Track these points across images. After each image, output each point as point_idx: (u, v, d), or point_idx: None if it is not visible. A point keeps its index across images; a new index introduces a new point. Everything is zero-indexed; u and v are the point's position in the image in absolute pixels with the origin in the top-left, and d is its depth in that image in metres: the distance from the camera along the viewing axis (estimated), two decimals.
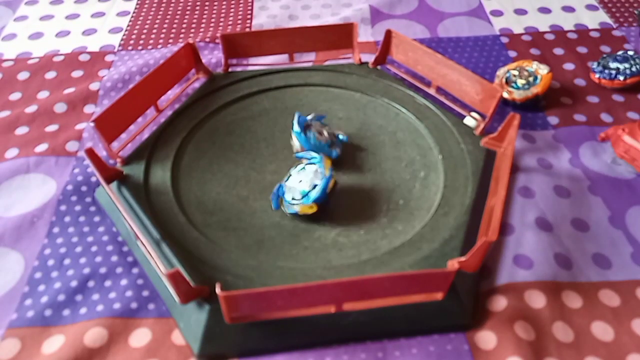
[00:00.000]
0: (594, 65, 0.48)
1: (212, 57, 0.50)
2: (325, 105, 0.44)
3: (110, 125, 0.37)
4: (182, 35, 0.55)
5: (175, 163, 0.38)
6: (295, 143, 0.38)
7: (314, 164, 0.36)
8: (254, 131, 0.42)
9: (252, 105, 0.43)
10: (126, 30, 0.55)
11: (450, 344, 0.30)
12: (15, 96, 0.47)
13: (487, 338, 0.30)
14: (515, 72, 0.45)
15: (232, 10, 0.59)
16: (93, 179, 0.39)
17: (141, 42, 0.54)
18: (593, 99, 0.47)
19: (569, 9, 0.59)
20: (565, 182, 0.39)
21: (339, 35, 0.46)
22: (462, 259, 0.30)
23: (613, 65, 0.47)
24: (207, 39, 0.53)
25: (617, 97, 0.47)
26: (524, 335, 0.30)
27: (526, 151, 0.42)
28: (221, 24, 0.57)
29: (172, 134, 0.40)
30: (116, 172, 0.36)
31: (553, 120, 0.45)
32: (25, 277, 0.33)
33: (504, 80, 0.46)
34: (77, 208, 0.37)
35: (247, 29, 0.56)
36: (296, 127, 0.37)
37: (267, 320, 0.30)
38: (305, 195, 0.34)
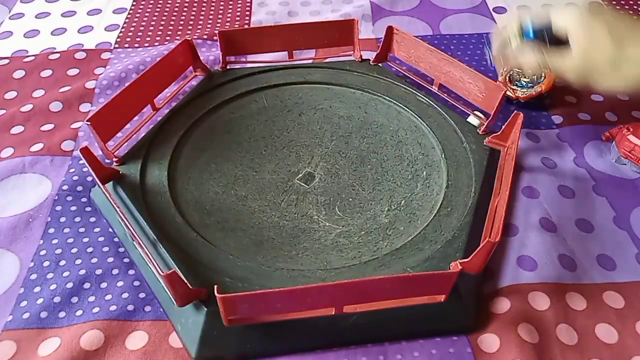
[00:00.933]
0: None
1: (210, 54, 0.50)
2: (326, 103, 0.43)
3: (106, 124, 0.36)
4: (179, 32, 0.54)
5: (172, 162, 0.37)
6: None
7: None
8: (253, 130, 0.41)
9: (250, 104, 0.43)
10: (123, 28, 0.55)
11: (452, 347, 0.30)
12: (10, 95, 0.46)
13: (490, 341, 0.30)
14: (519, 70, 0.45)
15: (230, 6, 0.59)
16: (89, 178, 0.39)
17: (138, 39, 0.53)
18: (597, 98, 0.47)
19: None
20: (570, 182, 0.39)
21: (340, 32, 0.46)
22: (465, 260, 0.30)
23: None
24: (205, 36, 0.53)
25: (622, 96, 0.47)
26: (528, 337, 0.29)
27: (530, 150, 0.41)
28: (219, 20, 0.57)
29: (169, 133, 0.39)
30: (112, 171, 0.36)
31: (557, 119, 0.44)
32: (21, 278, 0.33)
33: (507, 78, 0.45)
34: (73, 208, 0.37)
35: (246, 26, 0.55)
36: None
37: (266, 322, 0.29)
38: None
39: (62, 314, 0.31)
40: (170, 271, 0.27)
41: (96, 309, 0.31)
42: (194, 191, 0.36)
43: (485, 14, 0.57)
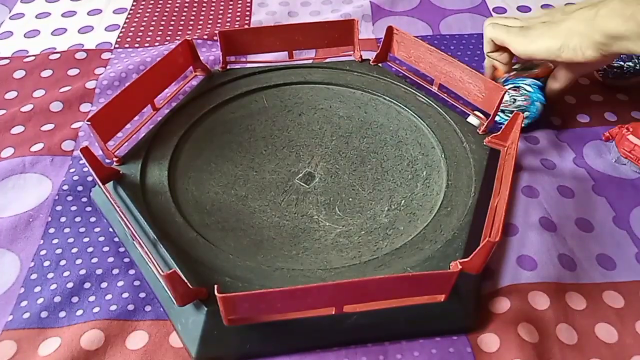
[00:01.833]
0: None
1: (210, 54, 0.50)
2: (326, 103, 0.43)
3: (106, 123, 0.36)
4: (179, 33, 0.54)
5: (172, 162, 0.37)
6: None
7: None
8: (253, 129, 0.41)
9: (250, 103, 0.43)
10: (123, 28, 0.55)
11: (452, 347, 0.30)
12: (10, 95, 0.46)
13: (490, 340, 0.30)
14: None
15: (230, 6, 0.59)
16: (89, 178, 0.39)
17: (138, 39, 0.53)
18: (597, 98, 0.47)
19: None
20: (569, 182, 0.39)
21: (340, 32, 0.46)
22: (465, 260, 0.30)
23: (617, 63, 0.46)
24: (205, 36, 0.53)
25: (621, 96, 0.47)
26: (528, 337, 0.29)
27: (529, 150, 0.41)
28: (219, 20, 0.57)
29: (169, 133, 0.39)
30: (112, 171, 0.36)
31: (556, 119, 0.44)
32: (21, 278, 0.33)
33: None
34: (73, 208, 0.37)
35: (246, 26, 0.55)
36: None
37: (266, 322, 0.29)
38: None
39: (62, 314, 0.31)
40: (171, 271, 0.27)
41: (96, 309, 0.31)
42: (194, 191, 0.36)
43: (485, 14, 0.57)
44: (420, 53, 0.43)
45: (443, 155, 0.38)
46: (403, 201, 0.36)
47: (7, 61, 0.50)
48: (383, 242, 0.33)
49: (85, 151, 0.34)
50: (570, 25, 0.36)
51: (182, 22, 0.56)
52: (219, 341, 0.29)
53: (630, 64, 0.46)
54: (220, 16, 0.57)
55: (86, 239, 0.35)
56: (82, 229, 0.35)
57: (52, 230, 0.35)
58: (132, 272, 0.33)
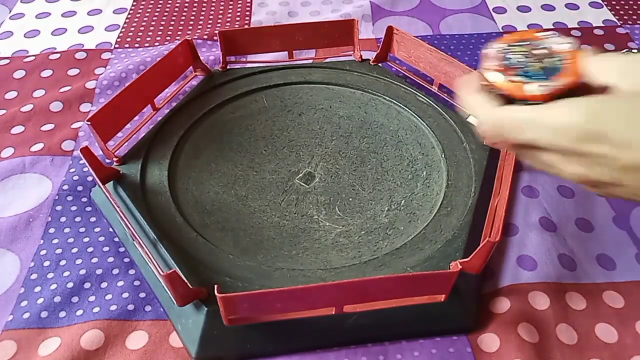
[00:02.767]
0: None
1: (210, 54, 0.50)
2: (326, 103, 0.43)
3: (106, 123, 0.36)
4: (179, 33, 0.54)
5: (172, 162, 0.37)
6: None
7: None
8: (253, 129, 0.41)
9: (250, 103, 0.43)
10: (123, 28, 0.55)
11: (452, 347, 0.30)
12: (10, 95, 0.46)
13: (490, 340, 0.30)
14: (522, 50, 0.25)
15: (230, 6, 0.59)
16: (89, 178, 0.38)
17: (138, 39, 0.53)
18: None
19: (572, 6, 0.58)
20: (569, 182, 0.39)
21: (340, 32, 0.46)
22: (465, 260, 0.30)
23: None
24: (205, 36, 0.53)
25: None
26: (528, 337, 0.29)
27: None
28: (219, 20, 0.57)
29: (169, 133, 0.39)
30: (112, 171, 0.36)
31: None
32: (21, 278, 0.33)
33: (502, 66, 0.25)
34: (73, 208, 0.37)
35: (246, 26, 0.55)
36: None
37: (266, 322, 0.29)
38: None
39: (62, 314, 0.31)
40: (171, 271, 0.27)
41: (96, 309, 0.31)
42: (194, 191, 0.36)
43: (485, 14, 0.57)
44: (420, 53, 0.43)
45: (443, 155, 0.38)
46: (403, 201, 0.36)
47: (7, 61, 0.50)
48: (383, 242, 0.33)
49: (85, 151, 0.34)
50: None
51: (182, 22, 0.56)
52: (219, 341, 0.29)
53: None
54: (220, 16, 0.57)
55: (86, 239, 0.35)
56: (82, 229, 0.35)
57: (52, 230, 0.35)
58: (132, 272, 0.33)
